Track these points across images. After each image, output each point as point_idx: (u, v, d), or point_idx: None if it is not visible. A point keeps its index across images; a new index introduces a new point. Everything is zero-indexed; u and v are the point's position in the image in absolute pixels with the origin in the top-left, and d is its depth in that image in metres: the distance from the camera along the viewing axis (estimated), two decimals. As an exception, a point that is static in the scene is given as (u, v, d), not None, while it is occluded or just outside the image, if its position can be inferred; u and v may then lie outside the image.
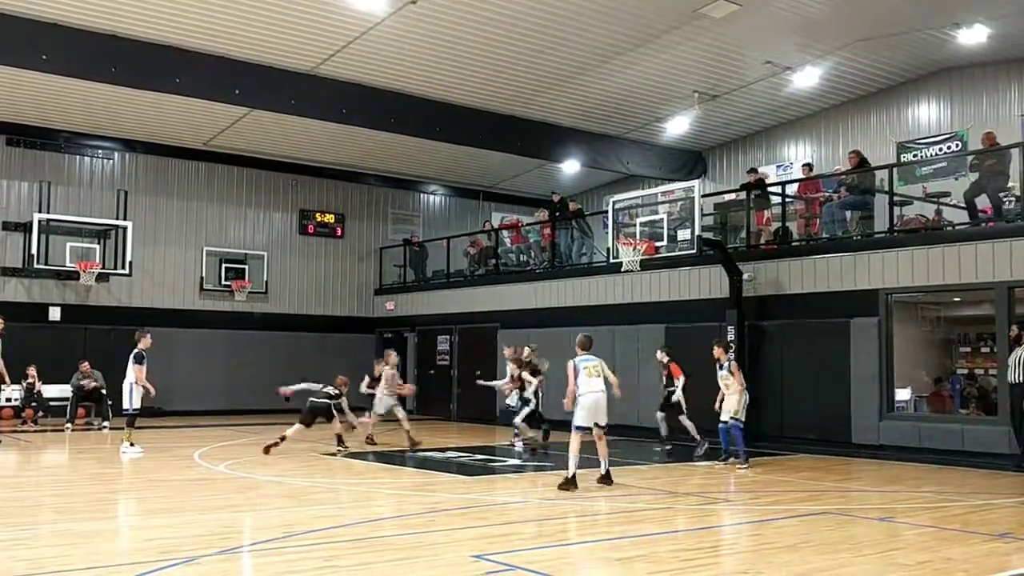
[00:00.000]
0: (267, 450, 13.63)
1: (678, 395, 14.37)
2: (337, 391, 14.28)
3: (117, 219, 21.48)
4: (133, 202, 22.02)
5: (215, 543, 7.24)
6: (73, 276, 20.68)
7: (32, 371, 18.71)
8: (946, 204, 16.07)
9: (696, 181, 16.64)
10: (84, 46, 14.99)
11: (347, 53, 16.33)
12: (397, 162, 23.76)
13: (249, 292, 23.52)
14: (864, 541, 7.81)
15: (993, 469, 12.72)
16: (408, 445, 14.71)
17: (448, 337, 23.17)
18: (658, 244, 15.33)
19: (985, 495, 10.60)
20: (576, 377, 10.53)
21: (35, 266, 20.23)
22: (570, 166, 23.01)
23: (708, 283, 16.93)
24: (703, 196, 15.55)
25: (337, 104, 17.70)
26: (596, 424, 10.58)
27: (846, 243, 15.54)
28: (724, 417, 12.75)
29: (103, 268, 20.92)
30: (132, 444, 13.66)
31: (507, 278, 21.80)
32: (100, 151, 21.94)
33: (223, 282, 23.30)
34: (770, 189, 18.02)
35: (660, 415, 14.75)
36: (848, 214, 16.14)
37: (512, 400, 15.19)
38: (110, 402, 17.85)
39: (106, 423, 17.99)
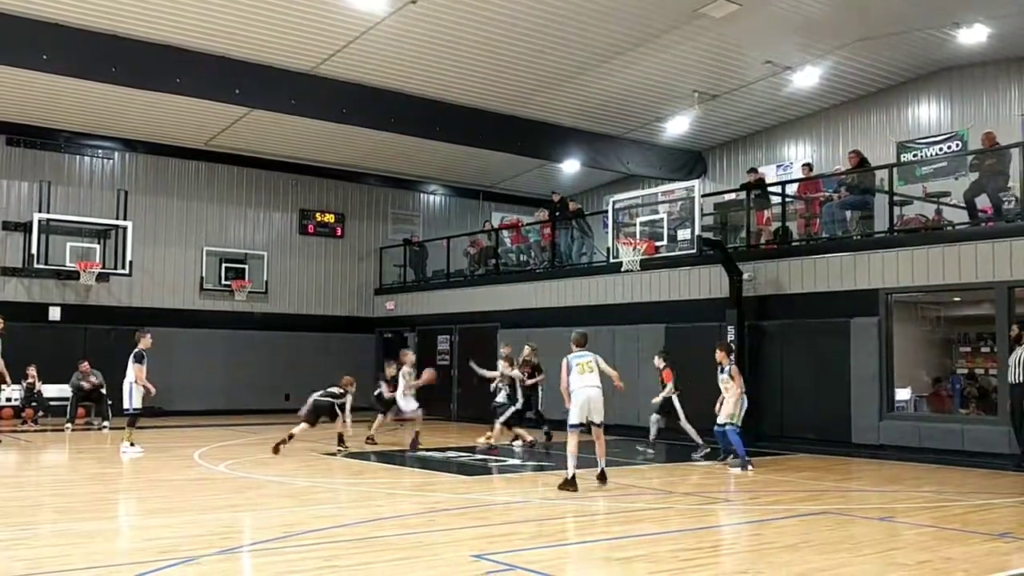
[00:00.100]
0: (276, 449, 13.62)
1: (658, 400, 14.33)
2: (342, 390, 14.25)
3: (117, 219, 21.49)
4: (133, 202, 22.02)
5: (215, 543, 7.24)
6: (73, 276, 20.69)
7: (32, 371, 18.72)
8: (946, 204, 16.07)
9: (696, 181, 16.64)
10: (84, 46, 14.99)
11: (347, 53, 16.33)
12: (397, 162, 23.76)
13: (249, 292, 23.52)
14: (864, 541, 7.81)
15: (993, 469, 12.72)
16: (409, 445, 14.71)
17: (448, 337, 23.17)
18: (658, 244, 15.34)
19: (985, 495, 10.60)
20: (569, 374, 10.47)
21: (35, 266, 20.24)
22: (570, 166, 23.02)
23: (708, 283, 16.94)
24: (703, 196, 15.55)
25: (337, 104, 17.70)
26: (591, 422, 10.50)
27: (846, 243, 15.54)
28: (720, 420, 12.72)
29: (103, 268, 20.92)
30: (132, 444, 13.66)
31: (507, 278, 21.81)
32: (100, 151, 21.94)
33: (223, 282, 23.31)
34: (770, 189, 18.02)
35: (654, 417, 14.72)
36: (848, 214, 16.14)
37: (501, 397, 15.13)
38: (110, 402, 17.86)
39: (106, 423, 17.99)
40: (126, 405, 13.88)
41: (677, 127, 20.92)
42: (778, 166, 21.27)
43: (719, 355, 12.91)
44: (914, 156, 18.68)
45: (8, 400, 19.01)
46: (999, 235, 13.57)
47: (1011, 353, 12.78)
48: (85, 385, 18.28)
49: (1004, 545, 7.66)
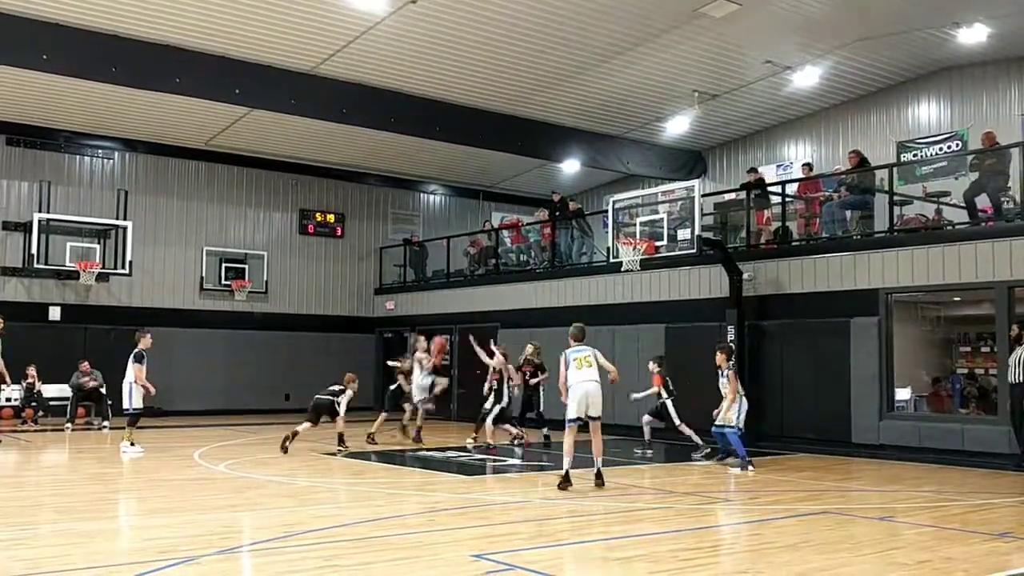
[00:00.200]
0: (284, 448, 13.67)
1: (639, 396, 14.42)
2: (342, 387, 14.25)
3: (117, 219, 21.49)
4: (133, 202, 22.02)
5: (215, 543, 7.24)
6: (73, 276, 20.69)
7: (32, 371, 18.72)
8: (946, 204, 16.07)
9: (696, 181, 16.63)
10: (85, 46, 14.99)
11: (347, 53, 16.33)
12: (397, 162, 23.76)
13: (249, 292, 23.52)
14: (864, 541, 7.81)
15: (993, 469, 12.72)
16: (412, 440, 14.71)
17: (448, 337, 23.11)
18: (658, 244, 15.33)
19: (985, 495, 10.60)
20: (567, 369, 10.48)
21: (35, 266, 20.24)
22: (570, 166, 23.02)
23: (708, 283, 16.93)
24: (703, 196, 15.55)
25: (337, 104, 17.70)
26: (589, 416, 10.47)
27: (846, 243, 15.54)
28: (719, 421, 12.69)
29: (103, 268, 20.92)
30: (132, 443, 13.67)
31: (507, 278, 21.80)
32: (100, 151, 21.94)
33: (223, 282, 23.31)
34: (770, 189, 18.02)
35: (646, 419, 14.73)
36: (848, 214, 16.15)
37: (488, 403, 15.15)
38: (110, 402, 17.86)
39: (106, 423, 17.99)
40: (126, 405, 13.88)
41: (677, 127, 20.92)
42: (778, 166, 21.27)
43: (719, 358, 12.87)
44: (914, 156, 18.68)
45: (8, 400, 19.02)
46: (999, 235, 13.56)
47: (1011, 353, 12.78)
48: (84, 384, 18.28)
49: (1004, 545, 7.66)
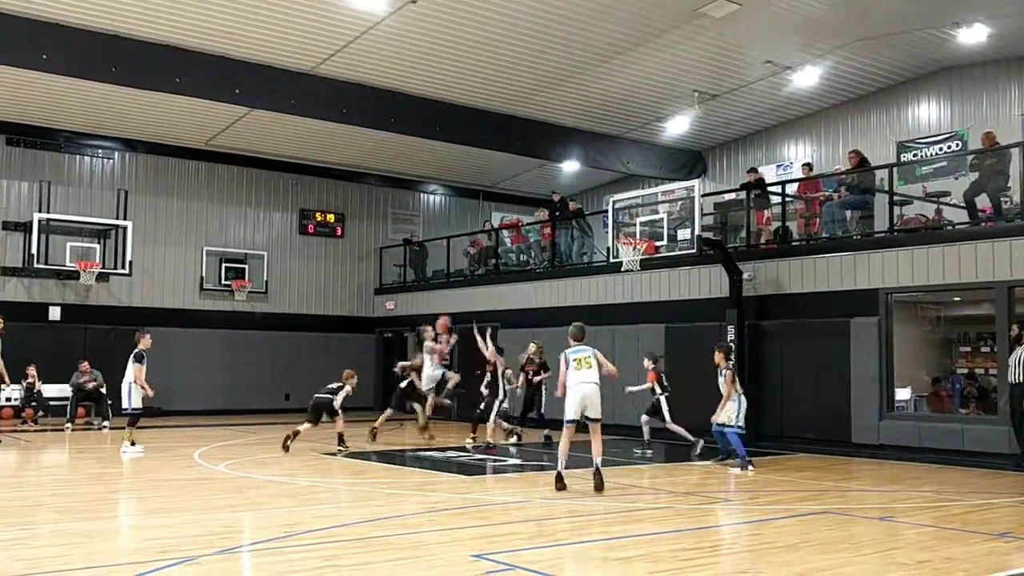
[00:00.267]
0: (286, 447, 13.70)
1: (634, 389, 14.43)
2: (341, 383, 14.25)
3: (117, 219, 21.49)
4: (133, 202, 22.02)
5: (215, 543, 7.24)
6: (73, 276, 20.69)
7: (32, 371, 18.71)
8: (946, 204, 16.07)
9: (696, 181, 16.64)
10: (85, 46, 14.99)
11: (347, 53, 16.33)
12: (397, 162, 23.76)
13: (249, 292, 23.52)
14: (864, 541, 7.81)
15: (993, 469, 12.72)
16: (428, 436, 14.76)
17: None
18: (658, 244, 15.33)
19: (985, 495, 10.60)
20: (567, 368, 10.39)
21: (35, 266, 20.24)
22: (570, 166, 23.02)
23: (708, 283, 16.93)
24: (703, 196, 15.55)
25: (337, 104, 17.70)
26: (587, 418, 10.38)
27: (846, 243, 15.54)
28: (721, 419, 12.68)
29: (103, 268, 20.92)
30: (133, 443, 13.67)
31: (507, 278, 21.80)
32: (100, 151, 21.94)
33: (223, 282, 23.31)
34: (770, 189, 18.02)
35: (644, 418, 14.74)
36: (848, 214, 16.15)
37: (484, 403, 15.18)
38: (110, 402, 17.85)
39: (106, 423, 17.99)
40: (124, 405, 13.89)
41: (677, 127, 20.92)
42: (778, 166, 21.27)
43: (717, 357, 12.87)
44: (914, 156, 18.68)
45: (8, 400, 19.02)
46: (999, 235, 13.56)
47: (1011, 353, 12.78)
48: (84, 384, 18.27)
49: (1004, 545, 7.66)
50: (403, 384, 16.02)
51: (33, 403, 18.78)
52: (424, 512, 9.11)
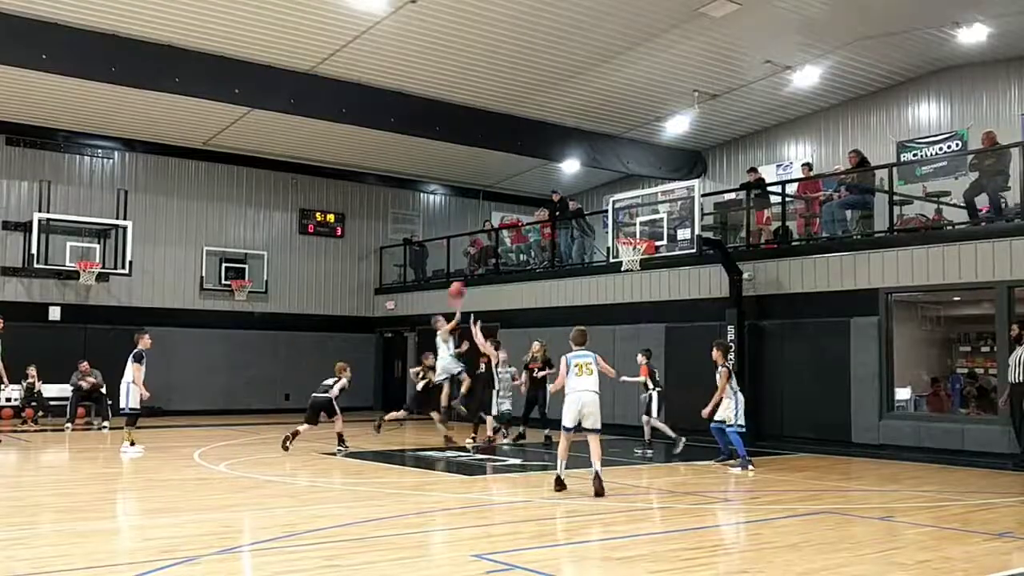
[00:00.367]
0: (285, 447, 13.71)
1: (628, 379, 14.37)
2: (336, 378, 14.25)
3: (117, 219, 21.48)
4: (133, 202, 22.02)
5: (215, 543, 7.24)
6: (73, 276, 20.69)
7: (32, 371, 18.71)
8: (946, 204, 16.07)
9: (696, 180, 16.65)
10: (84, 46, 14.97)
11: (347, 53, 16.33)
12: (397, 162, 23.76)
13: (249, 292, 23.52)
14: (864, 541, 7.82)
15: (993, 468, 12.73)
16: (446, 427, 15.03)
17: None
18: (658, 244, 15.34)
19: (985, 494, 10.60)
20: (567, 372, 10.18)
21: (35, 266, 20.23)
22: (570, 165, 23.01)
23: (708, 283, 16.94)
24: (703, 195, 15.56)
25: (337, 104, 17.68)
26: (586, 428, 10.15)
27: (846, 242, 15.54)
28: (719, 416, 12.67)
29: (103, 268, 20.91)
30: (133, 443, 13.68)
31: (507, 278, 21.80)
32: (100, 151, 21.94)
33: (223, 282, 23.31)
34: (770, 189, 18.03)
35: (645, 418, 14.75)
36: (848, 213, 16.15)
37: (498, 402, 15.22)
38: (110, 402, 17.85)
39: (106, 423, 18.00)
40: (122, 404, 13.92)
41: (677, 127, 20.91)
42: (778, 166, 21.27)
43: (714, 354, 12.87)
44: (914, 156, 18.67)
45: (8, 400, 19.01)
46: (999, 235, 13.57)
47: (1011, 353, 12.79)
48: (85, 385, 18.28)
49: (1004, 545, 7.66)
50: (419, 387, 15.97)
51: (33, 403, 18.78)
52: (424, 512, 9.11)
